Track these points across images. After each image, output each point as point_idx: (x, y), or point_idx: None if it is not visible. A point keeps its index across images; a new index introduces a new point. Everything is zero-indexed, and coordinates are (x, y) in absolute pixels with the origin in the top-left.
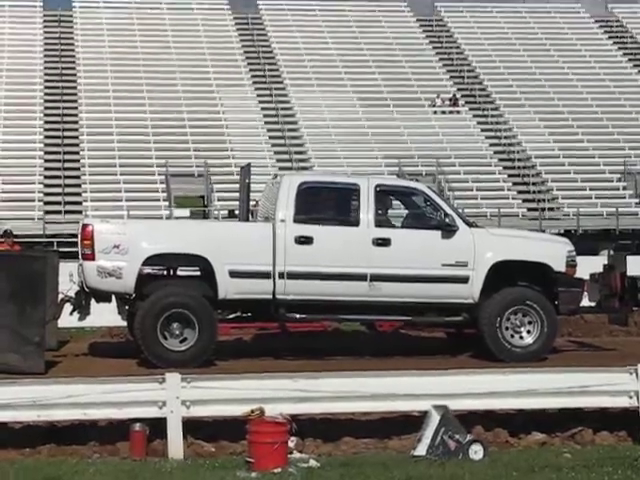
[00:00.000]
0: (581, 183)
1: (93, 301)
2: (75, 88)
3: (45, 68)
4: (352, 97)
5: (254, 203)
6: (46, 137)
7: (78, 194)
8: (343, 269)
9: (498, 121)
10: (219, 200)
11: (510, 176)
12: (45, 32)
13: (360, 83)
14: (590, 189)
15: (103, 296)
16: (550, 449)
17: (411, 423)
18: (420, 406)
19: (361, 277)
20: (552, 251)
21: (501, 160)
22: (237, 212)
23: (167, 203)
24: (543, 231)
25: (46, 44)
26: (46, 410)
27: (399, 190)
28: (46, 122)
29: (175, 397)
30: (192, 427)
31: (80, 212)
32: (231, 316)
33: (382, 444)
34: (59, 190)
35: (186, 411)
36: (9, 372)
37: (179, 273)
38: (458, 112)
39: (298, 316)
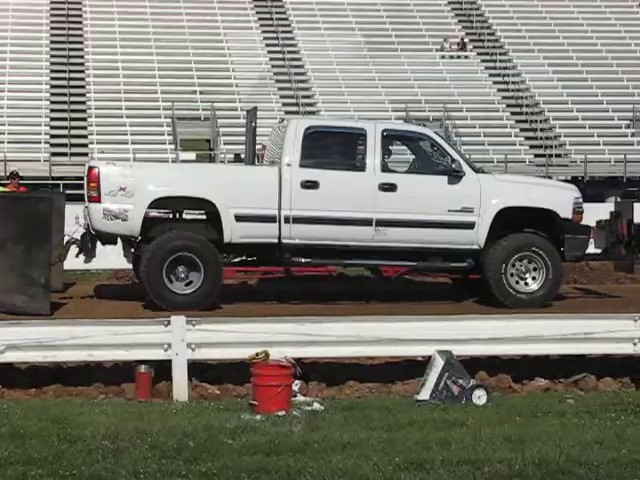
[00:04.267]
0: (589, 129)
1: (99, 244)
2: (81, 29)
3: (51, 9)
4: (359, 41)
5: (260, 147)
6: (52, 79)
7: (84, 136)
8: (349, 214)
9: (507, 66)
10: (225, 144)
11: (518, 122)
12: None
13: (368, 27)
14: (598, 135)
15: (109, 238)
16: (553, 395)
17: (415, 368)
18: (424, 351)
19: (367, 222)
20: (559, 197)
21: (509, 106)
22: (243, 156)
23: (173, 146)
24: (550, 178)
25: None
26: (52, 351)
27: (406, 135)
28: (52, 64)
29: (180, 339)
30: (197, 370)
31: (86, 154)
32: (236, 260)
33: (386, 388)
34: (65, 132)
35: (191, 353)
36: (15, 313)
37: (185, 216)
38: (466, 57)
39: (303, 260)
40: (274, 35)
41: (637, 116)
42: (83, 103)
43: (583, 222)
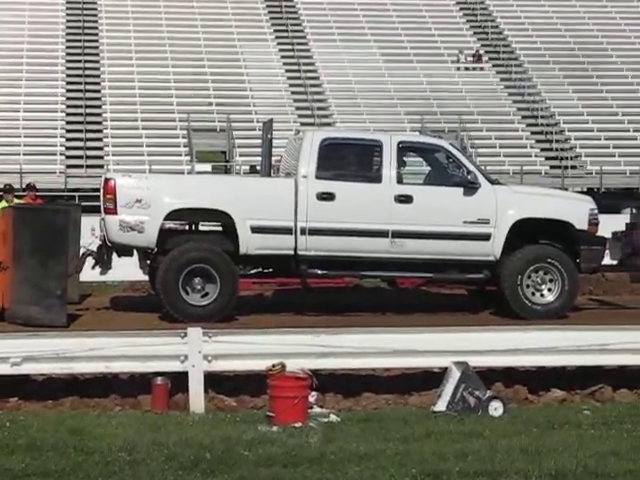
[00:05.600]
0: (604, 141)
1: (115, 255)
2: (97, 42)
3: (67, 22)
4: (375, 53)
5: (278, 158)
6: (68, 91)
7: (100, 148)
8: (365, 225)
9: (522, 78)
10: (241, 155)
11: (533, 133)
12: None
13: (383, 39)
14: (613, 147)
15: (125, 250)
16: (570, 406)
17: (431, 379)
18: (440, 362)
19: (383, 234)
20: (574, 209)
21: (524, 117)
22: (259, 167)
23: (189, 158)
24: (566, 189)
25: None
26: (68, 363)
27: (421, 147)
28: (68, 76)
29: (197, 351)
30: (213, 381)
31: (102, 166)
32: (252, 271)
33: (402, 400)
34: (81, 144)
35: (207, 365)
36: (32, 325)
37: (201, 228)
38: (482, 69)
39: (319, 272)
40: (290, 47)
41: None
42: (99, 115)
43: (599, 233)
